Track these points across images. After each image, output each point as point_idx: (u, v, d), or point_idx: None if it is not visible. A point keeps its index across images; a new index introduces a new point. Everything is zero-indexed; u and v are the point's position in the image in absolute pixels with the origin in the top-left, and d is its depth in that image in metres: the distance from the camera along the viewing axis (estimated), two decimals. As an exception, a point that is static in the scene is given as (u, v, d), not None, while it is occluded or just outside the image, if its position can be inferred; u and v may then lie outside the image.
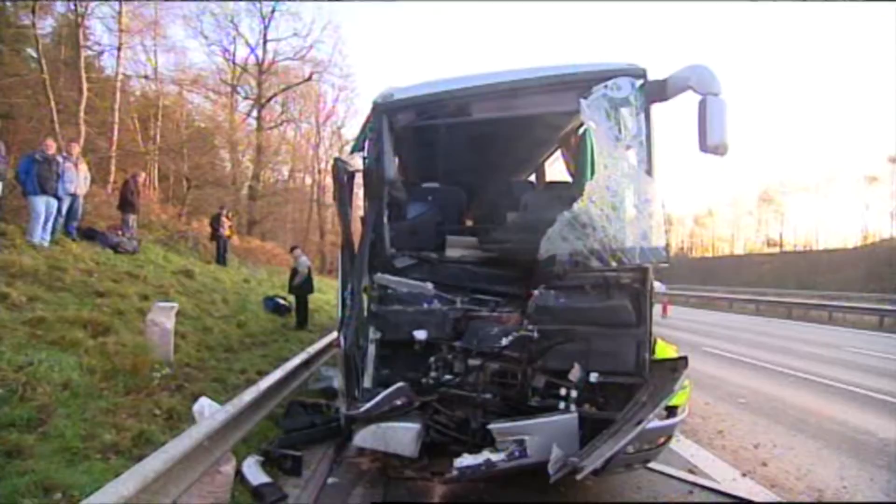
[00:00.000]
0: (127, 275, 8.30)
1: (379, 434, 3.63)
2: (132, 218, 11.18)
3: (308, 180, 36.03)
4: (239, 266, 15.34)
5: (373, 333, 4.01)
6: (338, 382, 4.99)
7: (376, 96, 4.04)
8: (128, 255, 9.75)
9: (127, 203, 11.11)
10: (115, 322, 6.06)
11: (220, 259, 13.94)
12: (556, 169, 6.83)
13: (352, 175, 4.34)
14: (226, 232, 14.18)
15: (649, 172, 3.50)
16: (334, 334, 5.18)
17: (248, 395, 4.16)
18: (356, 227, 4.46)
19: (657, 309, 18.22)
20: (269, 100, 27.99)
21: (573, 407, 3.63)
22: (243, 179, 27.13)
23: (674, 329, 14.56)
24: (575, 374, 3.70)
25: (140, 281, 8.30)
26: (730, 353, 11.10)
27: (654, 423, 3.36)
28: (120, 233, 10.48)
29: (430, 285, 4.07)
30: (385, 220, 4.16)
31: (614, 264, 3.46)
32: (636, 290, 3.71)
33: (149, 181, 18.51)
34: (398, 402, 3.63)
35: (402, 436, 3.62)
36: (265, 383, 4.61)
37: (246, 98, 28.08)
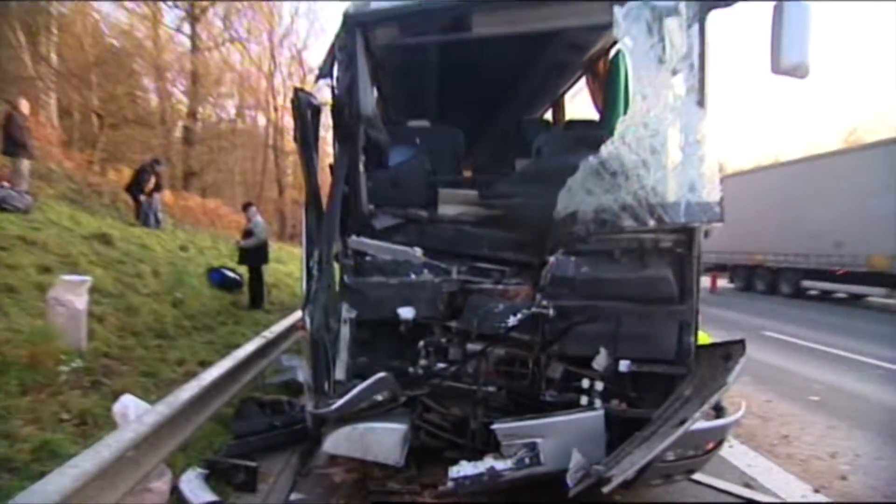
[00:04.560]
0: (20, 240, 8.17)
1: (355, 437, 3.71)
2: (25, 164, 10.78)
3: (261, 120, 35.35)
4: (174, 230, 15.29)
5: (346, 312, 4.08)
6: (303, 374, 5.02)
7: (348, 6, 4.00)
8: (18, 213, 9.52)
9: (14, 144, 10.56)
10: (5, 301, 6.02)
11: (145, 220, 13.81)
12: (579, 103, 6.78)
13: (317, 111, 4.27)
14: (148, 187, 13.95)
15: (701, 104, 3.48)
16: (298, 314, 5.23)
17: (188, 391, 4.17)
18: (324, 179, 4.45)
19: (705, 282, 17.69)
20: (205, 10, 26.91)
21: (598, 403, 3.73)
22: (176, 118, 26.37)
23: (725, 308, 14.62)
24: (600, 361, 3.81)
25: (38, 248, 8.19)
26: (798, 339, 11.24)
27: (701, 424, 3.39)
28: (7, 184, 10.09)
29: (418, 251, 4.15)
30: (361, 168, 4.19)
31: (653, 223, 3.49)
32: (680, 257, 3.76)
33: (44, 117, 17.86)
34: (379, 398, 3.71)
35: (384, 439, 3.71)
36: (210, 376, 4.63)
37: (175, 6, 26.65)
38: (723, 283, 22.43)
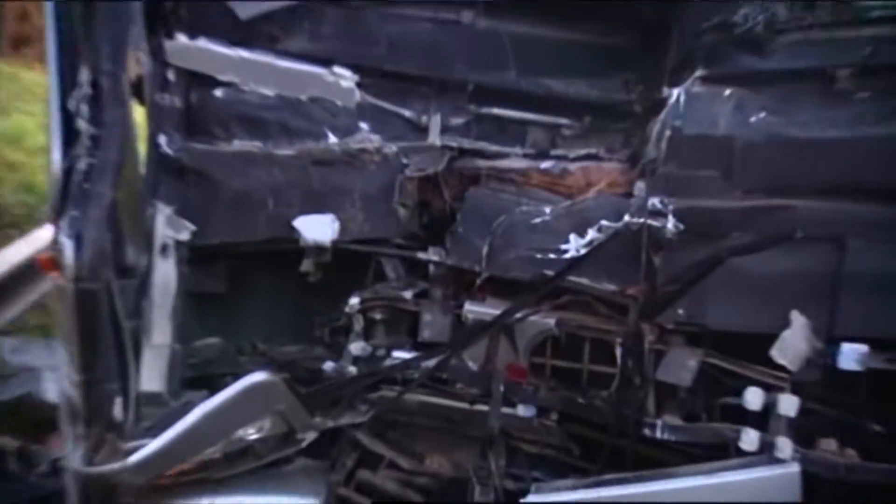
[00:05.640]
0: None
1: None
2: None
3: None
4: None
5: (168, 227, 2.61)
6: (56, 382, 3.26)
7: None
8: None
9: None
10: None
11: None
12: None
13: None
14: None
15: None
16: (42, 237, 3.72)
17: None
18: None
19: None
20: None
21: (786, 446, 2.22)
22: None
23: None
24: (792, 347, 2.29)
25: None
26: None
27: None
28: None
29: (346, 74, 2.63)
30: None
31: None
32: None
33: None
34: (253, 435, 2.44)
35: None
36: None
37: None
38: None
